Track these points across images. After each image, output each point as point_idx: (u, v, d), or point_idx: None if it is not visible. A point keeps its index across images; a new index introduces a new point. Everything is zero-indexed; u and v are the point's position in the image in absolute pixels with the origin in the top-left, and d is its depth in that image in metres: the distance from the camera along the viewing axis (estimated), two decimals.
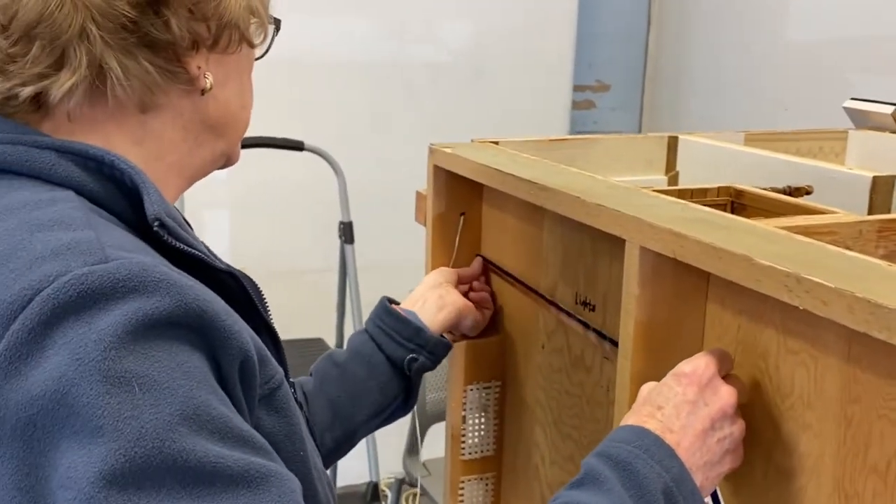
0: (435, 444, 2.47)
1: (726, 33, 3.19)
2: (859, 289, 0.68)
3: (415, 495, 3.07)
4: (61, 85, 0.75)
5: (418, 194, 1.46)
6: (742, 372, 0.87)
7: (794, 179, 1.22)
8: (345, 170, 2.69)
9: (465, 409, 1.32)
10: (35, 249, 0.66)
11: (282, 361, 0.85)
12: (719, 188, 1.17)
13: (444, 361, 1.31)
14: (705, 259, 0.83)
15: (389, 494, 2.77)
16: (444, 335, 1.22)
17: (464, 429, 1.33)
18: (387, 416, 1.20)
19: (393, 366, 1.17)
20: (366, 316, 1.24)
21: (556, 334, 1.19)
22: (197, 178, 0.89)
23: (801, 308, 0.73)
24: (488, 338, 1.32)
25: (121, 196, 0.76)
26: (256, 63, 0.91)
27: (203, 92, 0.81)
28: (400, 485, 2.64)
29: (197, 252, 0.76)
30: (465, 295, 1.30)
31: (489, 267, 1.34)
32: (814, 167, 1.23)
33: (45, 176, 0.74)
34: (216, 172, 0.93)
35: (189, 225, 0.86)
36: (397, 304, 1.22)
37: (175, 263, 0.72)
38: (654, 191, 1.07)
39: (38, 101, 0.77)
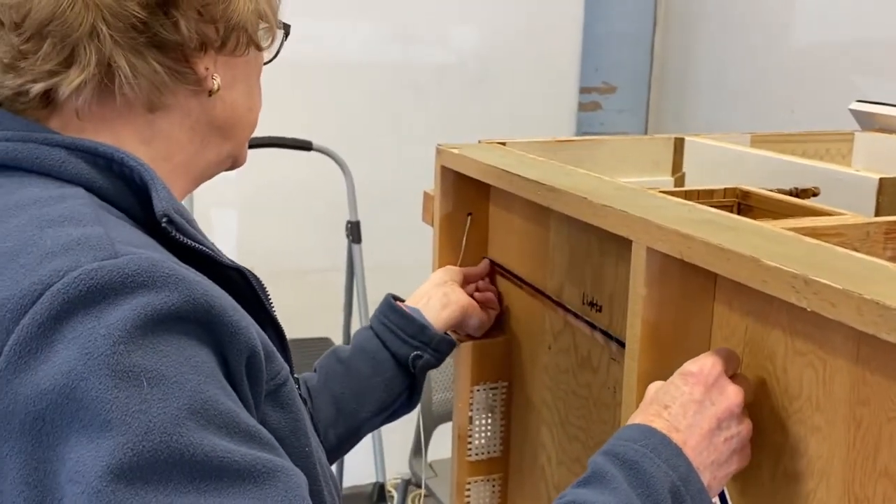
0: (441, 444, 2.48)
1: (732, 36, 3.19)
2: (868, 291, 0.68)
3: (421, 496, 3.07)
4: (70, 82, 0.75)
5: (425, 195, 1.46)
6: (749, 373, 0.87)
7: (800, 181, 1.22)
8: (352, 170, 2.69)
9: (471, 410, 1.32)
10: (45, 245, 0.66)
11: (287, 358, 0.86)
12: (726, 189, 1.17)
13: (451, 362, 1.31)
14: (712, 260, 0.83)
15: (395, 495, 2.77)
16: (449, 333, 1.23)
17: (470, 429, 1.33)
18: (391, 412, 1.20)
19: (397, 363, 1.17)
20: None
21: (562, 335, 1.19)
22: (203, 179, 0.89)
23: (808, 310, 0.73)
24: (495, 338, 1.32)
25: (129, 193, 0.76)
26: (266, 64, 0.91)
27: (211, 93, 0.82)
28: (406, 485, 2.64)
29: (205, 248, 0.76)
30: (471, 295, 1.30)
31: (496, 268, 1.34)
32: (820, 169, 1.23)
33: (55, 173, 0.75)
34: (224, 172, 0.93)
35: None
36: (402, 301, 1.22)
37: (183, 260, 0.73)
38: (661, 192, 1.07)
39: (48, 98, 0.77)
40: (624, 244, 0.96)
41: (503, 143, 1.37)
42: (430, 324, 1.19)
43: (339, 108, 2.98)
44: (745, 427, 0.84)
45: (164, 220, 0.74)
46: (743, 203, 1.16)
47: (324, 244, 3.00)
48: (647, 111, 3.67)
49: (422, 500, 3.08)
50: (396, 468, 2.89)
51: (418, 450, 2.61)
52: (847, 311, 0.69)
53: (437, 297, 1.22)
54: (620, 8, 3.57)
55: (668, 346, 0.93)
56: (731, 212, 1.12)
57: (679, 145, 1.47)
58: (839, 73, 2.70)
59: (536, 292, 1.23)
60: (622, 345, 1.03)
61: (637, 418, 0.84)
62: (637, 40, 3.61)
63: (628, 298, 0.94)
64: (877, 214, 1.13)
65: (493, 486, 1.36)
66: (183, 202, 0.85)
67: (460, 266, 1.33)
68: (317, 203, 2.99)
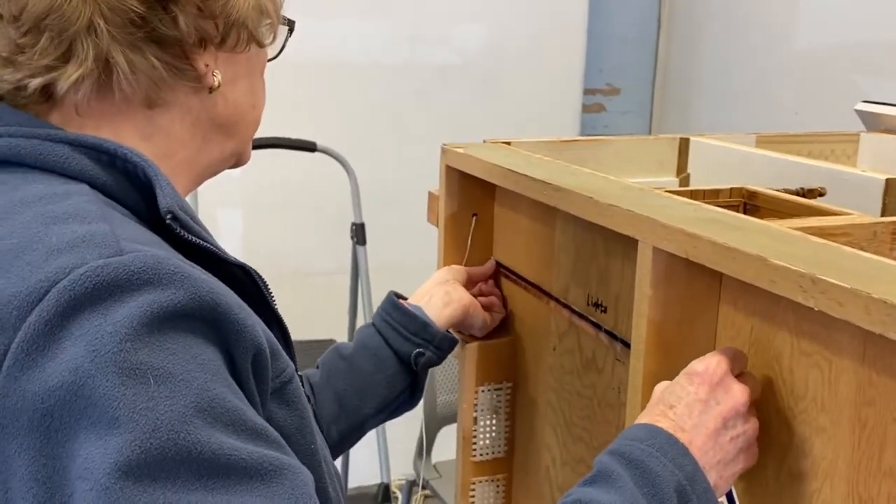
0: (446, 446, 2.48)
1: (736, 37, 3.19)
2: (875, 290, 0.68)
3: (425, 497, 3.07)
4: (68, 77, 0.75)
5: (430, 195, 1.46)
6: (755, 373, 0.86)
7: (806, 181, 1.22)
8: (357, 171, 2.69)
9: (476, 411, 1.32)
10: (50, 242, 0.66)
11: (291, 355, 0.86)
12: (732, 189, 1.17)
13: (455, 363, 1.31)
14: (719, 259, 0.83)
15: (400, 496, 2.77)
16: (451, 332, 1.23)
17: (475, 430, 1.33)
18: (392, 409, 1.20)
19: (400, 360, 1.18)
20: None
21: (567, 336, 1.19)
22: (206, 177, 0.89)
23: (816, 309, 0.72)
24: (500, 339, 1.32)
25: (133, 189, 0.76)
26: (270, 64, 0.91)
27: (211, 90, 0.82)
28: (411, 486, 2.64)
29: (209, 245, 0.76)
30: (475, 295, 1.30)
31: (501, 270, 1.34)
32: (826, 169, 1.23)
33: (59, 169, 0.75)
34: (229, 172, 0.93)
35: None
36: (404, 298, 1.22)
37: (187, 256, 0.73)
38: (667, 192, 1.07)
39: (48, 93, 0.77)
40: (629, 244, 0.96)
41: (508, 143, 1.37)
42: (432, 321, 1.19)
43: (343, 109, 2.98)
44: (752, 426, 0.83)
45: (169, 216, 0.74)
46: (749, 203, 1.16)
47: (328, 246, 3.00)
48: (651, 113, 3.67)
49: (425, 502, 3.08)
50: (401, 469, 2.89)
51: (423, 451, 2.61)
52: (855, 310, 0.69)
53: (439, 296, 1.22)
54: (624, 9, 3.57)
55: (673, 346, 0.93)
56: (738, 212, 1.11)
57: (684, 146, 1.46)
58: (843, 74, 2.70)
59: (541, 293, 1.23)
60: (627, 345, 1.03)
61: (643, 418, 0.84)
62: (641, 42, 3.61)
63: (634, 299, 0.94)
64: (883, 215, 1.12)
65: (498, 486, 1.36)
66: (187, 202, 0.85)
67: (465, 266, 1.33)
68: (321, 204, 2.99)
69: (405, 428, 2.52)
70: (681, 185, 1.45)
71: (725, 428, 0.82)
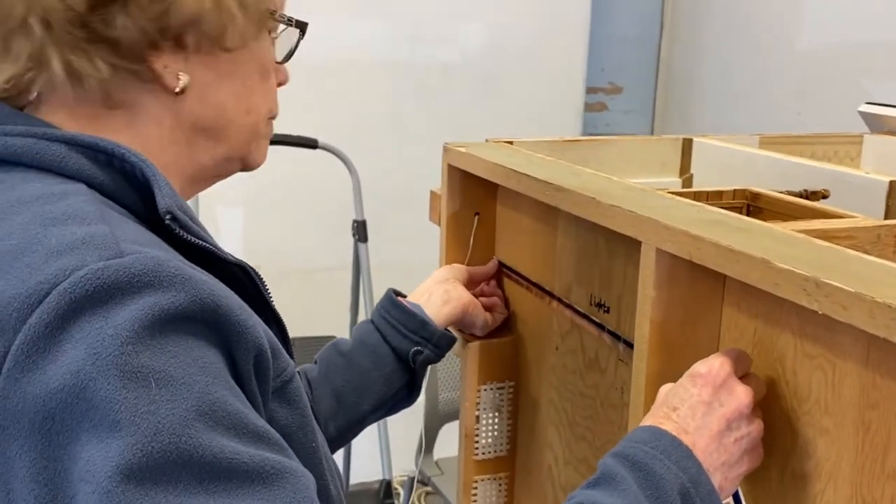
0: (448, 443, 2.48)
1: (739, 37, 3.18)
2: (880, 294, 0.68)
3: (427, 493, 3.08)
4: (3, 73, 0.76)
5: (432, 194, 1.46)
6: (758, 375, 0.86)
7: (809, 183, 1.22)
8: (359, 168, 2.69)
9: (478, 409, 1.32)
10: (50, 244, 0.66)
11: (289, 353, 0.86)
12: (735, 191, 1.17)
13: (457, 361, 1.31)
14: (722, 262, 0.83)
15: (402, 492, 2.78)
16: (450, 330, 1.23)
17: (477, 429, 1.33)
18: (390, 406, 1.21)
19: (398, 357, 1.18)
20: None
21: (570, 335, 1.19)
22: (203, 180, 0.88)
23: (819, 312, 0.72)
24: (502, 338, 1.32)
25: (131, 189, 0.76)
26: None
27: (176, 92, 0.79)
28: (412, 483, 2.65)
29: (208, 245, 0.76)
30: (478, 295, 1.30)
31: (503, 269, 1.34)
32: (830, 171, 1.23)
33: (56, 168, 0.74)
34: None
35: None
36: (404, 296, 1.22)
37: (187, 256, 0.73)
38: (670, 193, 1.07)
39: (17, 91, 0.78)
40: (632, 245, 0.96)
41: (510, 143, 1.37)
42: (430, 320, 1.19)
43: (345, 107, 2.98)
44: (756, 427, 0.83)
45: (168, 217, 0.74)
46: (752, 205, 1.16)
47: (330, 243, 3.00)
48: (653, 112, 3.67)
49: (427, 498, 3.08)
50: (403, 466, 2.90)
51: (424, 448, 2.61)
52: (859, 314, 0.69)
53: (439, 294, 1.22)
54: (627, 9, 3.57)
55: (676, 347, 0.93)
56: (741, 213, 1.12)
57: (687, 146, 1.46)
58: (846, 75, 2.70)
59: (544, 293, 1.23)
60: (630, 346, 1.03)
61: (647, 421, 0.84)
62: (644, 41, 3.61)
63: (636, 299, 0.94)
64: (886, 217, 1.12)
65: (500, 484, 1.36)
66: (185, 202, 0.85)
67: (467, 265, 1.33)
68: (323, 202, 2.99)
69: (407, 424, 2.52)
70: (683, 186, 1.45)
71: (729, 429, 0.82)
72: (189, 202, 0.85)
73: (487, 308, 1.30)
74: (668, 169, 1.48)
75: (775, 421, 0.85)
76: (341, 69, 2.97)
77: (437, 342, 1.19)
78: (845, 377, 0.77)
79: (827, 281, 0.72)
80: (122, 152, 0.75)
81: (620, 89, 3.65)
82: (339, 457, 1.13)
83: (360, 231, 2.71)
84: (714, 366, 0.83)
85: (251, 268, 0.83)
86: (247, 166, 0.90)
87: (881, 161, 1.44)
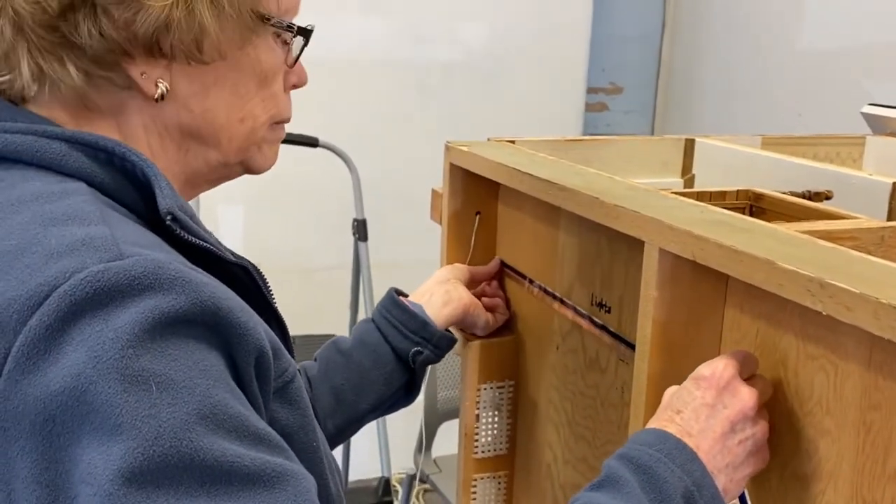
0: (446, 441, 2.48)
1: (740, 38, 3.19)
2: (884, 295, 0.68)
3: (425, 491, 3.08)
4: None
5: (434, 192, 1.46)
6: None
7: (812, 184, 1.22)
8: (359, 167, 2.69)
9: (478, 408, 1.32)
10: (50, 245, 0.66)
11: (290, 352, 0.86)
12: (738, 191, 1.17)
13: (457, 359, 1.31)
14: (726, 262, 0.83)
15: (400, 490, 2.78)
16: (452, 331, 1.23)
17: (477, 427, 1.33)
18: (389, 405, 1.21)
19: (398, 357, 1.18)
20: None
21: (571, 335, 1.19)
22: (202, 183, 0.87)
23: (824, 313, 0.72)
24: (503, 337, 1.32)
25: (132, 188, 0.76)
26: None
27: (157, 99, 0.78)
28: (411, 481, 2.65)
29: (209, 246, 0.76)
30: (479, 295, 1.30)
31: (504, 269, 1.33)
32: (832, 172, 1.23)
33: (56, 167, 0.74)
34: None
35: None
36: (405, 295, 1.22)
37: (187, 257, 0.73)
38: (673, 193, 1.07)
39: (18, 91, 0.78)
40: (634, 245, 0.96)
41: (512, 142, 1.37)
42: (431, 320, 1.19)
43: (346, 105, 2.98)
44: (760, 428, 0.83)
45: (169, 217, 0.73)
46: (755, 205, 1.16)
47: (330, 241, 3.00)
48: (654, 113, 3.67)
49: (425, 496, 3.09)
50: (401, 463, 2.90)
51: (423, 446, 2.62)
52: (863, 315, 0.69)
53: (440, 294, 1.22)
54: (629, 9, 3.57)
55: (678, 347, 0.93)
56: (744, 214, 1.11)
57: (689, 147, 1.46)
58: (847, 75, 2.70)
59: (545, 292, 1.23)
60: (631, 346, 1.03)
61: (652, 423, 0.84)
62: (645, 41, 3.61)
63: (639, 300, 0.94)
64: (889, 218, 1.12)
65: (500, 483, 1.36)
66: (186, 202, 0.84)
67: (468, 265, 1.33)
68: (323, 200, 2.99)
69: (406, 422, 2.52)
70: (685, 187, 1.45)
71: (733, 431, 0.82)
72: (190, 201, 0.85)
73: (489, 308, 1.29)
74: (670, 169, 1.48)
75: (777, 421, 0.85)
76: (342, 68, 2.97)
77: (437, 343, 1.19)
78: (847, 378, 0.77)
79: (831, 282, 0.72)
80: (122, 151, 0.75)
81: (621, 89, 3.65)
82: (337, 454, 1.13)
83: (361, 230, 2.71)
84: (718, 368, 0.83)
85: (253, 267, 0.83)
86: (250, 171, 0.88)
87: (883, 162, 1.44)
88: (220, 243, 0.83)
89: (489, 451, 1.34)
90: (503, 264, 1.34)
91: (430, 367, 1.23)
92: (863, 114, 1.54)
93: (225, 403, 0.64)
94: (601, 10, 3.39)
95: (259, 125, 0.85)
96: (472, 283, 1.29)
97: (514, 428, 1.35)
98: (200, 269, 0.70)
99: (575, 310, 1.16)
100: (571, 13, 3.25)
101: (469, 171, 1.29)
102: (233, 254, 0.88)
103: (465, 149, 1.29)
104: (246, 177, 0.92)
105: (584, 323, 1.14)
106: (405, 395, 1.21)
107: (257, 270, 0.86)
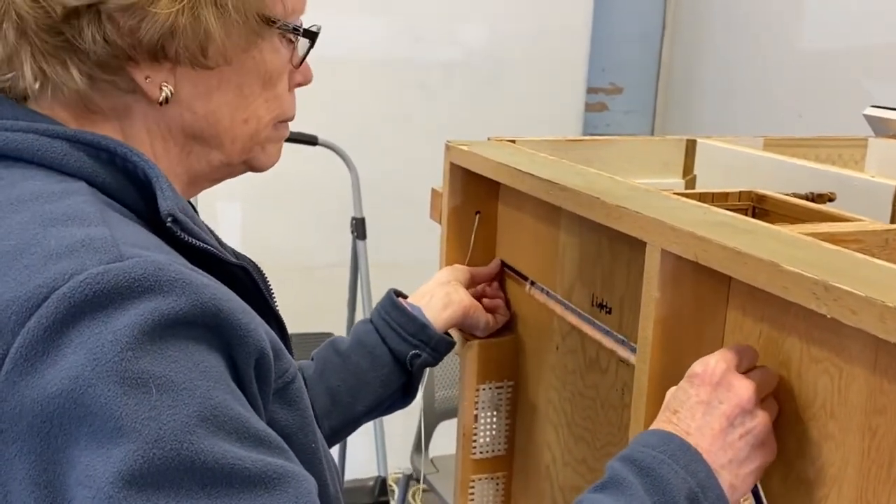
0: (443, 441, 2.48)
1: (741, 39, 3.18)
2: (890, 298, 0.67)
3: (422, 491, 3.07)
4: None
5: (434, 192, 1.45)
6: None
7: (814, 186, 1.21)
8: (359, 166, 2.69)
9: (477, 409, 1.32)
10: (49, 245, 0.66)
11: (288, 351, 0.85)
12: (741, 193, 1.16)
13: (455, 360, 1.31)
14: (729, 264, 0.82)
15: (397, 490, 2.77)
16: (453, 333, 1.22)
17: (475, 428, 1.32)
18: (385, 407, 1.20)
19: (395, 359, 1.17)
20: None
21: (570, 336, 1.18)
22: (204, 182, 0.87)
23: (828, 317, 0.72)
24: (502, 338, 1.31)
25: (133, 189, 0.76)
26: None
27: (160, 102, 0.78)
28: (407, 480, 2.65)
29: (209, 247, 0.76)
30: (479, 297, 1.29)
31: (504, 270, 1.33)
32: (835, 174, 1.22)
33: (57, 166, 0.74)
34: None
35: (195, 209, 0.86)
36: (405, 297, 1.22)
37: (188, 257, 0.72)
38: (675, 194, 1.06)
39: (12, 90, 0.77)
40: (636, 246, 0.95)
41: (513, 142, 1.37)
42: (430, 323, 1.18)
43: (346, 104, 2.98)
44: (761, 420, 0.82)
45: (170, 219, 0.73)
46: (758, 207, 1.16)
47: (329, 240, 3.00)
48: (654, 113, 3.66)
49: (422, 496, 3.08)
50: (398, 463, 2.89)
51: (420, 445, 2.61)
52: (869, 318, 0.68)
53: (440, 297, 1.22)
54: (629, 9, 3.56)
55: (679, 349, 0.92)
56: (746, 215, 1.11)
57: (691, 147, 1.46)
58: (848, 76, 2.69)
59: (545, 293, 1.23)
60: (631, 347, 1.02)
61: (653, 425, 0.84)
62: (645, 41, 3.61)
63: (640, 301, 0.93)
64: (893, 221, 1.12)
65: (497, 484, 1.35)
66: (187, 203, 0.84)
67: (468, 264, 1.32)
68: (323, 198, 2.98)
69: (402, 422, 2.52)
70: (686, 187, 1.44)
71: (732, 426, 0.81)
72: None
73: (489, 310, 1.29)
74: (671, 170, 1.47)
75: (780, 425, 0.84)
76: (343, 66, 2.96)
77: (435, 346, 1.18)
78: (852, 382, 0.76)
79: (836, 285, 0.71)
80: (124, 151, 0.75)
81: (621, 90, 3.64)
82: (334, 453, 1.13)
83: (359, 228, 2.70)
84: (710, 364, 0.83)
85: (254, 267, 0.82)
86: (254, 169, 0.88)
87: (886, 164, 1.43)
88: (220, 244, 0.83)
89: (487, 451, 1.33)
90: (503, 265, 1.33)
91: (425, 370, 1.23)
92: (865, 116, 1.53)
93: (225, 405, 0.64)
94: (601, 10, 3.39)
95: (263, 126, 0.85)
96: (472, 285, 1.29)
97: (513, 429, 1.34)
98: (201, 271, 0.70)
99: (575, 311, 1.15)
100: (571, 13, 3.24)
101: (469, 171, 1.28)
102: (234, 253, 0.88)
103: (465, 148, 1.28)
104: (245, 174, 0.92)
105: (585, 324, 1.13)
106: (402, 398, 1.21)
107: (258, 270, 0.86)
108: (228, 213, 2.99)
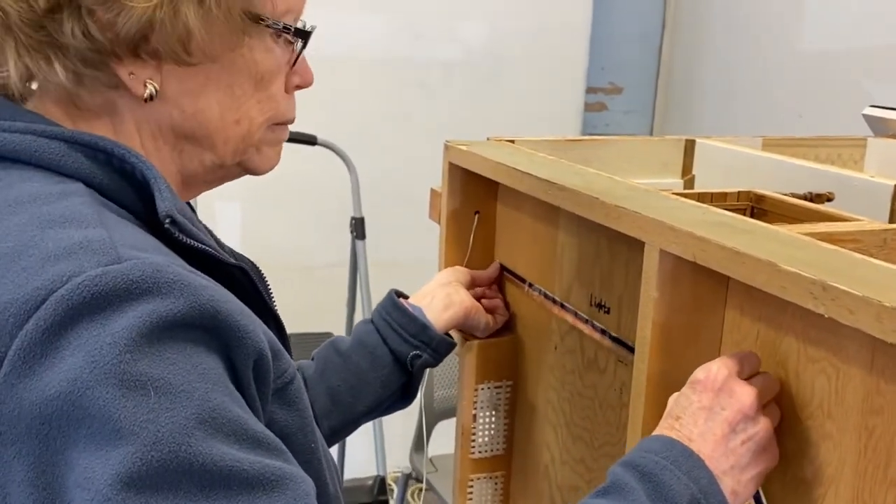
0: (442, 440, 2.48)
1: (741, 39, 3.18)
2: (888, 298, 0.67)
3: (421, 490, 3.07)
4: None
5: (433, 191, 1.45)
6: None
7: (813, 186, 1.21)
8: (358, 166, 2.69)
9: (476, 408, 1.32)
10: (47, 248, 0.66)
11: (287, 351, 0.85)
12: (739, 192, 1.17)
13: (454, 360, 1.31)
14: (727, 264, 0.82)
15: (396, 489, 2.77)
16: (452, 334, 1.22)
17: (474, 427, 1.32)
18: (385, 408, 1.20)
19: (396, 360, 1.17)
20: None
21: (569, 336, 1.18)
22: (200, 184, 0.86)
23: (826, 316, 0.72)
24: (501, 338, 1.31)
25: (131, 190, 0.76)
26: None
27: (146, 99, 0.77)
28: (406, 479, 2.65)
29: (208, 248, 0.76)
30: (479, 299, 1.29)
31: (504, 271, 1.33)
32: (834, 174, 1.22)
33: (55, 167, 0.74)
34: None
35: (193, 210, 0.86)
36: (406, 297, 1.22)
37: (186, 258, 0.72)
38: (674, 194, 1.06)
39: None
40: (634, 245, 0.95)
41: (512, 141, 1.37)
42: (431, 324, 1.18)
43: (345, 103, 2.97)
44: (763, 426, 0.82)
45: (168, 221, 0.73)
46: (757, 207, 1.16)
47: (329, 240, 3.00)
48: (653, 113, 3.66)
49: (422, 494, 3.08)
50: (397, 462, 2.89)
51: (419, 445, 2.61)
52: (866, 318, 0.68)
53: (441, 298, 1.22)
54: (629, 9, 3.56)
55: (678, 349, 0.92)
56: (745, 215, 1.11)
57: (690, 147, 1.46)
58: (847, 77, 2.69)
59: (544, 296, 1.23)
60: (629, 347, 1.02)
61: (655, 432, 0.84)
62: (645, 41, 3.61)
63: (639, 301, 0.93)
64: (891, 221, 1.12)
65: (496, 483, 1.35)
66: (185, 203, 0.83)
67: (467, 264, 1.33)
68: (322, 198, 2.98)
69: (401, 422, 2.52)
70: (686, 187, 1.44)
71: (734, 432, 0.81)
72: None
73: (489, 310, 1.29)
74: (670, 170, 1.47)
75: (778, 425, 0.84)
76: (342, 65, 2.96)
77: (436, 347, 1.18)
78: (849, 382, 0.76)
79: (834, 284, 0.71)
80: (121, 152, 0.75)
81: (621, 89, 3.64)
82: (333, 452, 1.13)
83: (358, 228, 2.70)
84: (712, 371, 0.83)
85: (253, 267, 0.82)
86: (250, 172, 0.87)
87: (885, 164, 1.43)
88: (219, 244, 0.83)
89: (486, 451, 1.34)
90: (503, 268, 1.33)
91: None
92: (864, 115, 1.53)
93: (224, 407, 0.64)
94: (601, 9, 3.39)
95: (256, 127, 0.84)
96: (471, 287, 1.29)
97: (512, 428, 1.34)
98: (199, 272, 0.70)
99: (574, 310, 1.15)
100: (571, 12, 3.24)
101: (468, 171, 1.28)
102: (233, 253, 0.87)
103: (464, 148, 1.28)
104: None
105: (583, 325, 1.13)
106: (402, 398, 1.21)
107: (257, 271, 0.86)
108: (227, 212, 2.98)
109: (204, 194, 0.91)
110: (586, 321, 1.13)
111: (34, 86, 0.78)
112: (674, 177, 1.47)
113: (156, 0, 0.73)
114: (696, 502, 0.77)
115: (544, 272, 1.22)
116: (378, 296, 1.23)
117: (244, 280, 0.80)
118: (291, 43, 0.84)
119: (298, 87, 0.89)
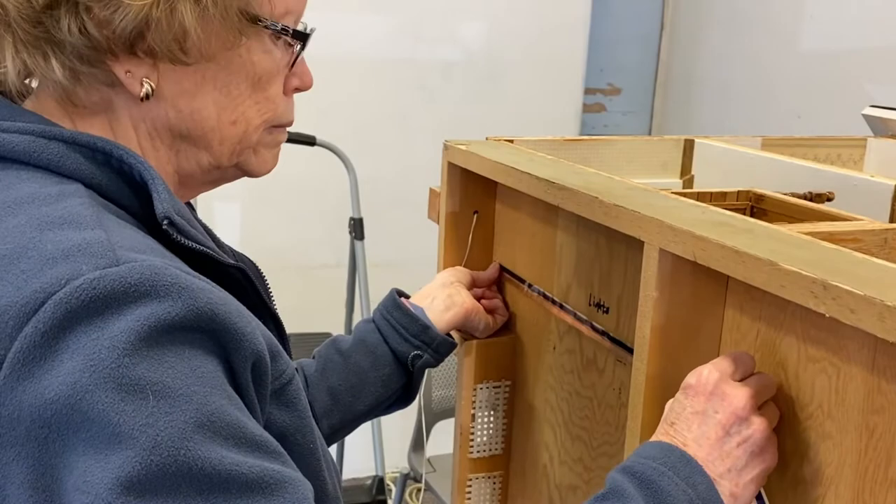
0: (440, 440, 2.48)
1: (739, 40, 3.18)
2: (889, 297, 0.67)
3: (419, 490, 3.07)
4: None
5: (431, 191, 1.45)
6: None
7: (813, 185, 1.21)
8: (357, 166, 2.68)
9: (474, 408, 1.31)
10: (45, 250, 0.65)
11: (286, 351, 0.85)
12: (739, 192, 1.16)
13: (453, 360, 1.31)
14: (727, 263, 0.82)
15: (394, 489, 2.77)
16: (452, 334, 1.22)
17: (473, 427, 1.32)
18: (385, 407, 1.20)
19: (396, 359, 1.17)
20: None
21: (568, 336, 1.18)
22: (198, 185, 0.86)
23: (827, 316, 0.72)
24: (500, 337, 1.31)
25: (129, 190, 0.75)
26: None
27: (143, 98, 0.77)
28: (405, 479, 2.65)
29: (206, 249, 0.76)
30: (479, 299, 1.29)
31: (503, 271, 1.33)
32: (834, 174, 1.22)
33: (54, 167, 0.74)
34: None
35: (193, 210, 0.86)
36: (407, 297, 1.22)
37: (185, 259, 0.72)
38: (673, 193, 1.06)
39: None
40: (633, 245, 0.95)
41: (511, 141, 1.36)
42: (432, 324, 1.18)
43: (344, 104, 2.97)
44: (758, 427, 0.81)
45: (166, 222, 0.73)
46: (756, 206, 1.15)
47: (328, 240, 3.00)
48: (652, 114, 3.66)
49: (420, 495, 3.08)
50: (395, 462, 2.89)
51: (417, 445, 2.61)
52: (867, 317, 0.68)
53: (442, 298, 1.22)
54: (628, 9, 3.56)
55: (677, 349, 0.92)
56: (744, 215, 1.11)
57: (689, 147, 1.46)
58: (847, 77, 2.69)
59: (542, 293, 1.22)
60: (628, 347, 1.02)
61: (653, 437, 0.84)
62: (643, 42, 3.61)
63: (638, 300, 0.93)
64: (892, 220, 1.12)
65: (495, 483, 1.35)
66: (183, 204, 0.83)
67: (465, 264, 1.32)
68: (321, 199, 2.98)
69: (400, 422, 2.51)
70: (685, 187, 1.44)
71: (729, 435, 0.80)
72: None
73: (489, 311, 1.29)
74: (669, 170, 1.47)
75: (777, 424, 0.84)
76: (341, 66, 2.96)
77: (437, 347, 1.18)
78: (850, 381, 0.76)
79: (835, 283, 0.71)
80: (120, 153, 0.75)
81: (619, 90, 3.64)
82: (331, 451, 1.13)
83: (357, 228, 2.70)
84: (702, 375, 0.82)
85: (253, 267, 0.82)
86: (247, 174, 0.87)
87: (885, 164, 1.43)
88: (218, 244, 0.82)
89: (485, 450, 1.33)
90: (502, 269, 1.33)
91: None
92: (864, 115, 1.53)
93: (222, 410, 0.64)
94: (600, 10, 3.39)
95: (252, 128, 0.83)
96: (471, 288, 1.29)
97: (510, 428, 1.34)
98: (197, 273, 0.70)
99: (572, 313, 1.15)
100: (570, 13, 3.24)
101: (467, 171, 1.28)
102: (233, 253, 0.87)
103: (463, 148, 1.28)
104: None
105: (582, 325, 1.13)
106: (402, 398, 1.21)
107: (256, 270, 0.85)
108: (226, 212, 2.98)
109: (203, 194, 0.91)
110: (585, 321, 1.12)
111: (34, 83, 0.77)
112: (673, 177, 1.47)
113: None
114: None
115: (543, 272, 1.22)
116: (377, 296, 1.23)
117: (243, 280, 0.80)
118: (290, 45, 0.83)
119: (297, 90, 0.88)
